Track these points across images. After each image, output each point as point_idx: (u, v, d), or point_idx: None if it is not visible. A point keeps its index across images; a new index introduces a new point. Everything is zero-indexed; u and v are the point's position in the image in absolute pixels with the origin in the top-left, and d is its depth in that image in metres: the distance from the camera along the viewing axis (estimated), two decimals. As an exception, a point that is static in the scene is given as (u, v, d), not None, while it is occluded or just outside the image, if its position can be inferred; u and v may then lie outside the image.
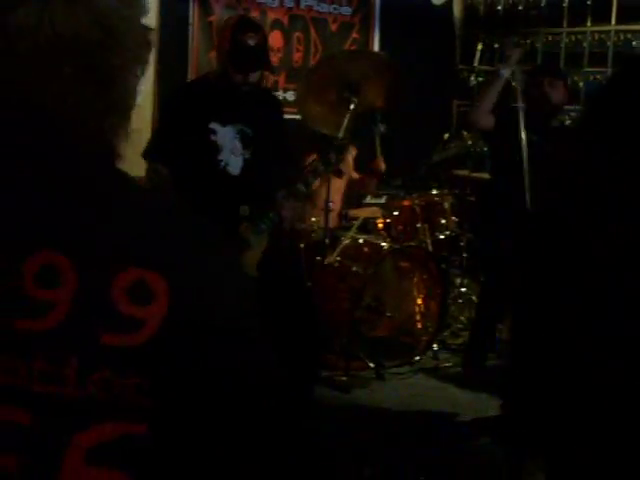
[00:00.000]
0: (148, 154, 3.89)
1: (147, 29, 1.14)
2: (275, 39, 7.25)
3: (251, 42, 3.77)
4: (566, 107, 6.23)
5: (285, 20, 7.35)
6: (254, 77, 3.86)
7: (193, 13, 6.77)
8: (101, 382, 1.03)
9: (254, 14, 7.13)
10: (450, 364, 5.65)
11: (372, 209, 6.21)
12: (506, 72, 4.49)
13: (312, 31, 7.54)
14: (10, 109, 1.07)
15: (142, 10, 1.13)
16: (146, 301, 1.04)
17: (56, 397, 1.03)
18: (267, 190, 4.02)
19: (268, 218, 3.92)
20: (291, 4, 7.39)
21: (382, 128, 5.62)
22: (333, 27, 7.74)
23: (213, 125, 3.91)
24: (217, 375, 1.08)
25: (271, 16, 7.20)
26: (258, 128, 4.01)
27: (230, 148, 3.95)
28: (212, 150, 3.92)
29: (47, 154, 1.08)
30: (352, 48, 7.83)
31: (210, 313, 1.08)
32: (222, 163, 3.95)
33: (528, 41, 8.02)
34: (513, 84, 4.85)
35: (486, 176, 6.03)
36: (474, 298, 6.33)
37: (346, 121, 5.14)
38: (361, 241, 5.73)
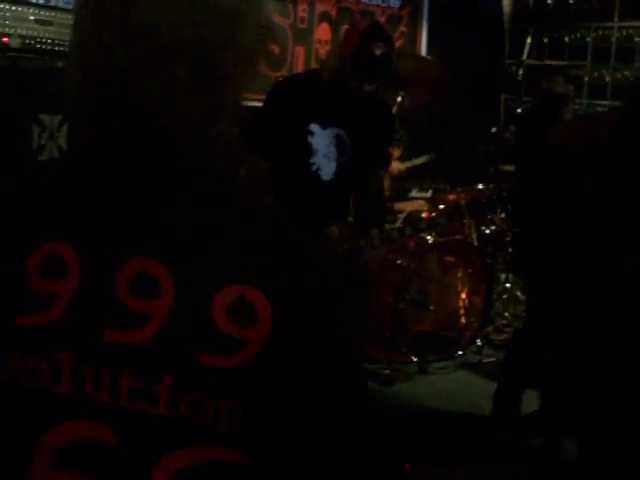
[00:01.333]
0: (250, 136, 3.69)
1: (262, 28, 1.09)
2: (323, 31, 7.25)
3: (378, 52, 3.61)
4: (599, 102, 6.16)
5: (333, 12, 7.34)
6: (371, 87, 3.71)
7: None
8: (194, 403, 0.96)
9: (302, 6, 7.15)
10: (493, 359, 5.61)
11: (418, 202, 6.20)
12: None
13: (360, 24, 7.51)
14: (117, 115, 1.02)
15: (261, 9, 1.09)
16: (248, 321, 0.97)
17: (145, 416, 0.96)
18: (358, 201, 3.92)
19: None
20: (340, -4, 7.39)
21: (433, 156, 5.57)
22: (381, 20, 7.71)
23: (312, 126, 3.77)
24: (319, 402, 1.02)
25: (319, 8, 7.19)
26: (358, 136, 3.84)
27: (325, 152, 3.80)
28: (306, 152, 3.77)
29: (152, 163, 1.04)
30: (400, 42, 7.81)
31: (315, 335, 1.01)
32: (314, 167, 3.79)
33: (578, 35, 7.95)
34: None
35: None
36: (519, 294, 6.29)
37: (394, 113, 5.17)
38: (406, 234, 5.70)
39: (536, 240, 4.50)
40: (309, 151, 3.78)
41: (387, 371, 5.18)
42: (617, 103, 7.01)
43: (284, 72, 6.76)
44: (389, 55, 3.67)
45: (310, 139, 3.77)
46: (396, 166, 5.57)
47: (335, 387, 1.03)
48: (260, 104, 3.75)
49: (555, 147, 4.15)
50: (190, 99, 1.03)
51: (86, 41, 1.04)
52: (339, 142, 3.83)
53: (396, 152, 5.73)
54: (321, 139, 3.79)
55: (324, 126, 3.79)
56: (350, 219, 3.89)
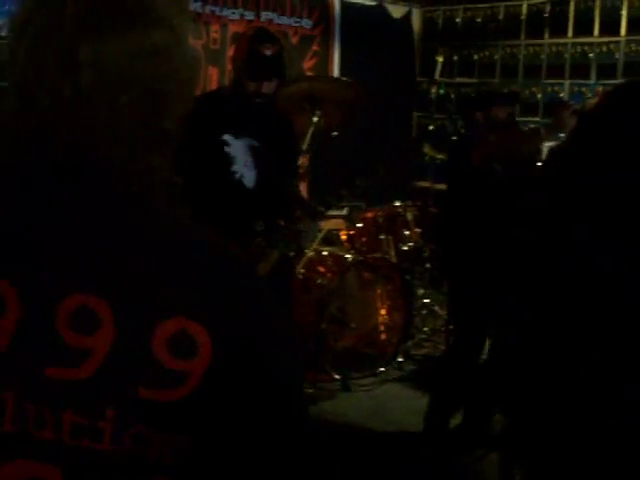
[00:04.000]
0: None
1: (197, 52, 1.10)
2: (236, 52, 7.25)
3: (267, 52, 3.73)
4: (523, 119, 6.33)
5: (246, 33, 7.35)
6: (268, 88, 3.78)
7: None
8: (138, 437, 0.96)
9: (214, 27, 7.15)
10: (414, 375, 5.67)
11: (335, 221, 6.22)
12: (550, 138, 4.06)
13: (273, 44, 7.54)
14: (55, 146, 1.02)
15: (190, 30, 1.10)
16: (188, 354, 0.97)
17: (89, 452, 0.96)
18: (281, 205, 3.98)
19: (282, 234, 3.88)
20: (252, 17, 7.40)
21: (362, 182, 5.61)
22: (294, 40, 7.76)
23: (226, 137, 3.85)
24: (260, 432, 1.02)
25: (232, 29, 7.20)
26: (267, 143, 3.94)
27: (243, 160, 3.88)
28: (226, 161, 3.84)
29: (88, 195, 1.03)
30: (312, 61, 7.87)
31: (255, 366, 1.01)
32: (237, 175, 3.87)
33: (486, 53, 8.12)
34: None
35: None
36: (437, 309, 6.38)
37: (309, 134, 5.21)
38: (325, 253, 5.74)
39: (461, 257, 4.55)
40: (229, 160, 3.84)
41: (311, 390, 5.19)
42: (527, 119, 7.19)
43: (197, 92, 6.74)
44: (280, 54, 3.80)
45: (227, 149, 3.85)
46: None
47: (274, 416, 1.03)
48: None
49: (480, 168, 4.22)
50: (132, 130, 1.03)
51: (26, 73, 1.03)
52: (254, 152, 3.90)
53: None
54: (237, 148, 3.86)
55: (237, 136, 3.87)
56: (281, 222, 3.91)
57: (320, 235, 5.83)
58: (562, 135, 4.19)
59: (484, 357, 4.60)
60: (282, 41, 3.92)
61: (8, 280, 0.98)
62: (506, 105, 4.59)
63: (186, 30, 1.08)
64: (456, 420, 4.58)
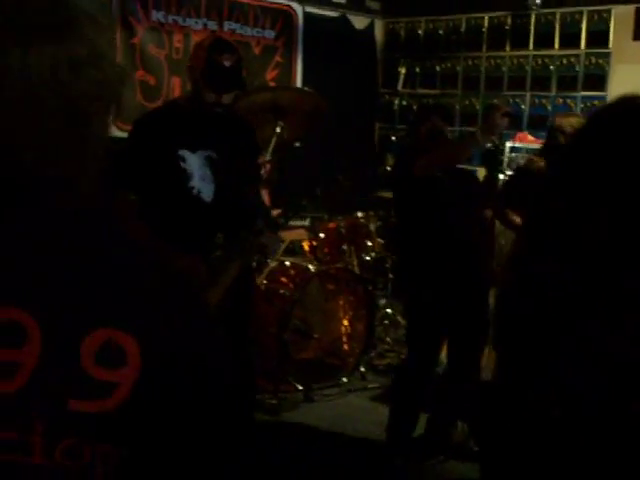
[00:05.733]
0: (116, 182, 3.72)
1: (122, 68, 1.10)
2: (199, 62, 7.24)
3: (227, 63, 3.70)
4: (471, 129, 6.38)
5: (209, 43, 7.34)
6: (228, 99, 3.75)
7: (116, 36, 6.73)
8: (69, 450, 0.95)
9: (177, 37, 7.14)
10: (377, 385, 5.67)
11: (298, 231, 6.23)
12: (485, 140, 4.23)
13: (235, 54, 7.55)
14: None
15: (114, 45, 1.10)
16: (117, 364, 0.97)
17: (20, 467, 0.95)
18: (240, 217, 3.95)
19: (242, 246, 3.86)
20: (214, 27, 7.40)
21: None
22: (256, 50, 7.77)
23: (182, 152, 3.79)
24: (194, 438, 1.02)
25: (195, 39, 7.18)
26: (226, 154, 3.90)
27: (200, 175, 3.82)
28: (183, 177, 3.78)
29: (16, 207, 1.01)
30: (275, 72, 7.89)
31: (185, 375, 1.01)
32: (194, 190, 3.81)
33: (449, 65, 8.18)
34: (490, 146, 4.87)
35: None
36: (399, 319, 6.39)
37: (272, 145, 5.22)
38: (287, 263, 5.74)
39: (414, 268, 4.58)
40: (185, 176, 3.79)
41: (274, 401, 5.18)
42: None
43: (159, 103, 6.72)
44: (239, 64, 3.77)
45: (183, 164, 3.79)
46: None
47: (207, 426, 1.04)
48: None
49: (422, 178, 4.27)
50: (59, 137, 1.02)
51: None
52: (211, 164, 3.85)
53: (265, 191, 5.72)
54: (193, 163, 3.81)
55: (193, 150, 3.81)
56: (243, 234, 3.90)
57: (283, 246, 5.83)
58: (494, 137, 4.46)
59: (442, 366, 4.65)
60: (239, 51, 3.89)
61: None
62: (442, 117, 4.69)
63: (106, 47, 1.06)
64: (419, 429, 4.59)
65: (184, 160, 3.79)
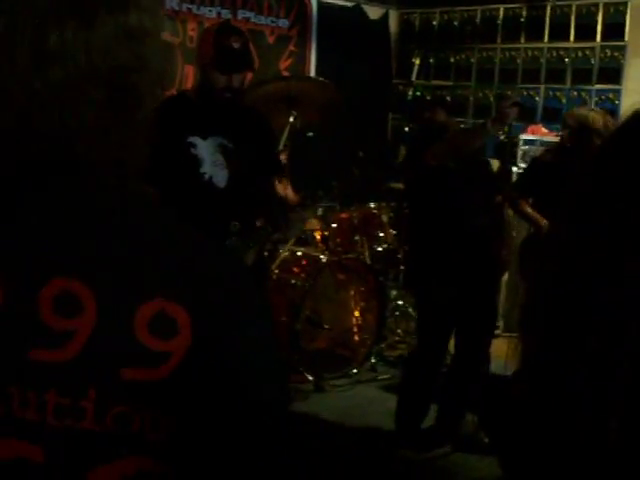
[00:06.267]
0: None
1: (167, 45, 1.10)
2: (212, 50, 7.24)
3: (235, 45, 3.75)
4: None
5: (222, 32, 7.34)
6: (238, 81, 3.77)
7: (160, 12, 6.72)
8: (120, 417, 0.98)
9: (191, 25, 7.13)
10: (387, 376, 5.67)
11: (310, 221, 6.22)
12: (495, 130, 4.29)
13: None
14: (30, 139, 1.02)
15: (163, 26, 1.11)
16: (169, 334, 0.99)
17: (72, 431, 0.97)
18: (255, 205, 3.96)
19: (258, 234, 3.87)
20: (228, 15, 7.39)
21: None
22: (270, 39, 7.76)
23: (192, 139, 3.81)
24: (240, 410, 1.03)
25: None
26: (240, 142, 3.91)
27: (212, 161, 3.84)
28: (193, 163, 3.81)
29: (68, 186, 1.04)
30: (289, 61, 7.88)
31: (236, 348, 1.03)
32: (206, 176, 3.83)
33: (463, 56, 8.16)
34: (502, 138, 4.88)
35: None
36: (410, 310, 6.38)
37: (286, 134, 5.21)
38: (299, 254, 5.74)
39: (424, 257, 4.60)
40: (196, 162, 3.82)
41: (284, 390, 5.17)
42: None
43: (173, 91, 6.71)
44: (247, 46, 3.84)
45: (194, 151, 3.82)
46: (291, 196, 5.56)
47: (254, 398, 1.04)
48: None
49: (433, 167, 4.28)
50: (105, 123, 1.03)
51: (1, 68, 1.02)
52: (224, 150, 3.87)
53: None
54: (204, 149, 3.83)
55: (203, 136, 3.84)
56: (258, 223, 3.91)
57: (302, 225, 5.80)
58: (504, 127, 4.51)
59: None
60: (245, 34, 3.94)
61: None
62: (443, 107, 4.74)
63: (160, 20, 1.09)
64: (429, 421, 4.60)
65: (194, 147, 3.82)
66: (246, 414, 1.04)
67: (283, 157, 5.18)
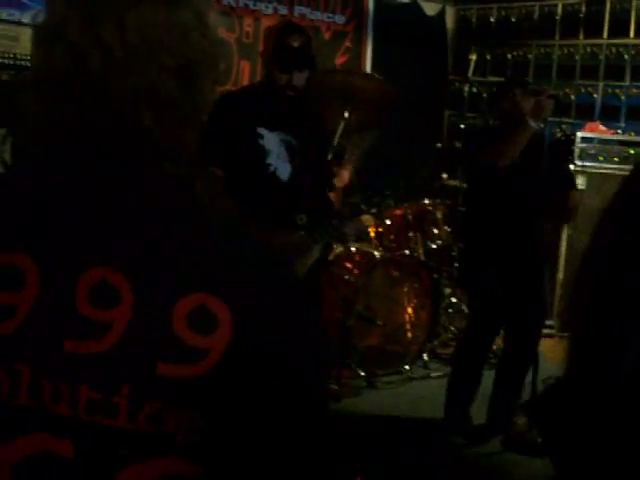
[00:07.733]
0: (204, 159, 3.76)
1: (224, 39, 1.11)
2: (268, 46, 7.26)
3: (295, 44, 3.78)
4: (556, 119, 6.32)
5: (279, 28, 7.36)
6: (299, 80, 3.80)
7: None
8: (153, 415, 0.95)
9: (248, 21, 7.16)
10: (440, 374, 5.64)
11: (364, 217, 6.20)
12: (536, 124, 4.30)
13: (305, 39, 7.55)
14: (103, 112, 1.02)
15: (216, 20, 1.11)
16: (209, 329, 0.97)
17: (104, 428, 0.95)
18: (318, 201, 4.01)
19: (326, 229, 3.92)
20: (285, 12, 7.40)
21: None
22: (326, 35, 7.76)
23: (260, 130, 3.86)
24: (278, 411, 1.01)
25: (265, 23, 7.20)
26: (302, 140, 3.94)
27: (277, 153, 3.88)
28: (260, 154, 3.85)
29: (117, 171, 1.03)
30: (345, 57, 7.87)
31: (277, 348, 1.00)
32: (271, 167, 3.87)
33: (520, 52, 8.07)
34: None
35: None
36: (464, 308, 6.35)
37: (340, 130, 5.20)
38: (353, 249, 5.73)
39: (480, 255, 4.60)
40: (263, 152, 3.85)
41: (336, 387, 5.18)
42: (560, 120, 7.16)
43: (229, 86, 6.74)
44: (308, 45, 3.86)
45: (261, 141, 3.85)
46: (346, 175, 5.56)
47: (292, 402, 1.02)
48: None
49: (490, 165, 4.27)
50: (171, 100, 1.03)
51: (81, 34, 1.02)
52: (288, 146, 3.91)
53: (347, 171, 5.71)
54: (271, 141, 3.87)
55: (270, 129, 3.87)
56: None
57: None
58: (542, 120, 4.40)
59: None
60: (308, 33, 3.96)
61: (29, 255, 0.99)
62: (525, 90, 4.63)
63: (211, 18, 1.09)
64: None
65: (262, 137, 3.86)
66: (283, 417, 1.01)
67: (347, 172, 5.24)
